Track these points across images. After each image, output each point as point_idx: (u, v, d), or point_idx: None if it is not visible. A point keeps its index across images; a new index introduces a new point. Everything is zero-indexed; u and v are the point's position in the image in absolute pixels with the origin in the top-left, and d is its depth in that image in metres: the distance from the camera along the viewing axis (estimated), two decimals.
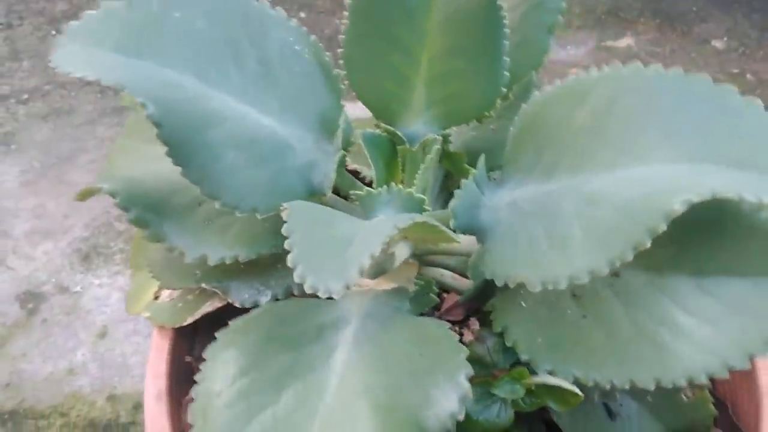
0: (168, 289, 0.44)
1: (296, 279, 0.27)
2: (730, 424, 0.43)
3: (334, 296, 0.26)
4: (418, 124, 0.38)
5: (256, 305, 0.39)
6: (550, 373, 0.34)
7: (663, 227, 0.28)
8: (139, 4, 0.35)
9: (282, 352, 0.31)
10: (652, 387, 0.33)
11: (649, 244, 0.28)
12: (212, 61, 0.35)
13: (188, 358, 0.45)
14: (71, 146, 0.90)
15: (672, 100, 0.32)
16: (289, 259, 0.27)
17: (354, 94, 0.39)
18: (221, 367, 0.31)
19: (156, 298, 0.46)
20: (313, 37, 0.38)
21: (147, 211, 0.37)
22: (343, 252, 0.28)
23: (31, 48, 1.14)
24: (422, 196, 0.35)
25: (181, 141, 0.32)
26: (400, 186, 0.35)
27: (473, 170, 0.36)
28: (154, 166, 0.40)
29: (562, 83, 0.36)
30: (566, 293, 0.37)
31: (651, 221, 0.28)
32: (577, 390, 0.34)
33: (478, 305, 0.39)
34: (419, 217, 0.29)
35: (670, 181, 0.30)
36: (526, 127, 0.37)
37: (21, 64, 1.09)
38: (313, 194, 0.37)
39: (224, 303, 0.41)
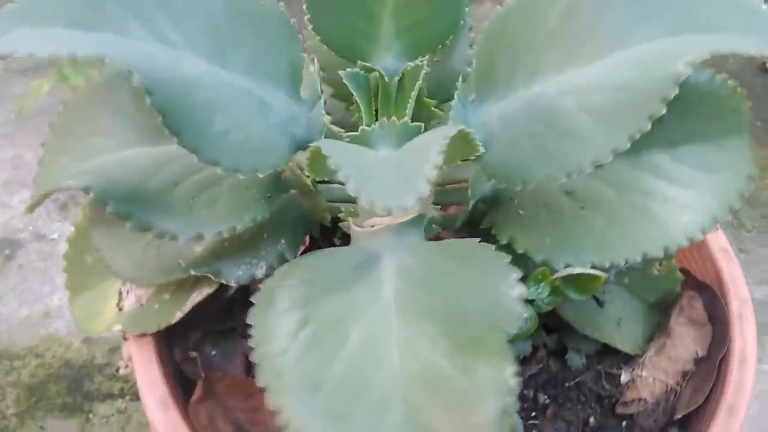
0: (147, 288, 0.42)
1: (365, 204, 0.26)
2: (696, 283, 0.48)
3: (397, 212, 0.26)
4: (387, 58, 0.38)
5: (253, 279, 0.38)
6: (567, 266, 0.36)
7: (674, 92, 0.29)
8: None
9: (331, 298, 0.31)
10: (661, 254, 0.36)
11: (664, 111, 0.30)
12: (170, 24, 0.33)
13: (193, 353, 0.44)
14: (48, 99, 0.87)
15: None
16: (351, 189, 0.26)
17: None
18: (276, 325, 0.29)
19: (120, 308, 0.43)
20: None
21: (125, 201, 0.34)
22: (399, 170, 0.27)
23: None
24: (419, 123, 0.35)
25: (172, 108, 0.30)
26: (394, 119, 0.34)
27: (457, 93, 0.36)
28: (109, 156, 0.38)
29: None
30: (559, 192, 0.39)
31: (661, 88, 0.30)
32: (599, 273, 0.36)
33: (473, 229, 0.40)
34: (456, 129, 0.29)
35: (663, 52, 0.31)
36: (494, 41, 0.38)
37: None
38: (305, 144, 0.35)
39: (213, 288, 0.40)
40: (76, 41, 0.30)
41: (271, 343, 0.29)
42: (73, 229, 0.47)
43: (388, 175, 0.27)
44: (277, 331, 0.30)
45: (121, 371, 0.47)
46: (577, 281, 0.37)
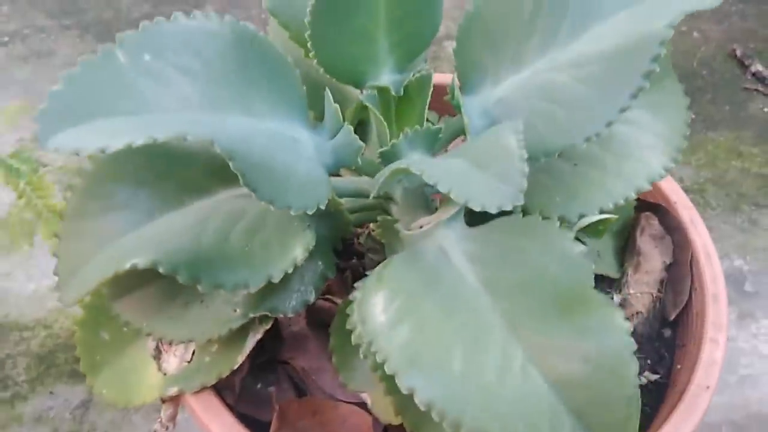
0: (187, 345, 0.42)
1: (477, 208, 0.29)
2: (647, 205, 0.55)
3: (507, 207, 0.29)
4: (384, 74, 0.40)
5: (306, 304, 0.41)
6: (581, 216, 0.41)
7: (662, 51, 0.34)
8: (103, 62, 0.32)
9: (425, 298, 0.34)
10: (649, 186, 0.42)
11: (657, 68, 0.35)
12: (197, 88, 0.34)
13: (271, 389, 0.45)
14: (51, 86, 0.80)
15: None
16: (457, 197, 0.30)
17: None
18: (389, 331, 0.33)
19: (164, 373, 0.44)
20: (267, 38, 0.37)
21: (192, 267, 0.35)
22: (490, 169, 0.31)
23: None
24: (438, 127, 0.38)
25: (246, 167, 0.32)
26: (417, 127, 0.38)
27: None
28: (143, 229, 0.38)
29: None
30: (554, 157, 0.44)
31: (649, 49, 0.35)
32: (610, 215, 0.42)
33: None
34: (514, 125, 0.33)
35: (636, 20, 0.37)
36: (472, 36, 0.41)
37: (0, 9, 1.05)
38: (334, 170, 0.38)
39: (269, 325, 0.41)
40: (132, 129, 0.31)
41: (391, 340, 0.32)
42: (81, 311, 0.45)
43: (485, 178, 0.31)
44: (391, 332, 0.33)
45: None
46: (593, 228, 0.42)
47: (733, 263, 0.75)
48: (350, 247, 0.48)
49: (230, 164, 0.31)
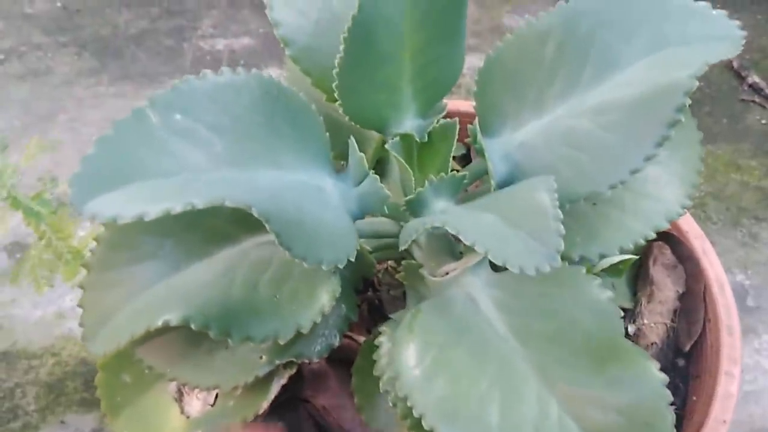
0: (227, 390, 0.41)
1: (515, 270, 0.29)
2: (659, 234, 0.53)
3: (545, 269, 0.29)
4: (408, 119, 0.40)
5: (330, 348, 0.41)
6: (602, 256, 0.42)
7: (686, 101, 0.35)
8: (135, 124, 0.32)
9: (455, 347, 0.34)
10: (667, 225, 0.43)
11: (682, 118, 0.35)
12: (226, 144, 0.34)
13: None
14: (50, 106, 0.88)
15: (621, 11, 0.38)
16: (495, 258, 0.30)
17: None
18: (422, 383, 0.33)
19: (187, 416, 0.44)
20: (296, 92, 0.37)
21: (222, 320, 0.35)
22: (524, 228, 0.31)
23: (3, 9, 1.08)
24: (463, 174, 0.38)
25: (281, 227, 0.32)
26: (442, 175, 0.38)
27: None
28: (170, 280, 0.38)
29: (517, 31, 0.40)
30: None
31: (672, 99, 0.35)
32: (630, 256, 0.43)
33: None
34: (547, 181, 0.33)
35: (658, 68, 0.37)
36: (493, 82, 0.41)
37: None
38: (360, 218, 0.39)
39: (294, 370, 0.41)
40: (177, 192, 0.31)
41: (428, 395, 0.33)
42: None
43: (519, 238, 0.31)
44: (427, 386, 0.33)
45: None
46: (614, 267, 0.43)
47: (734, 278, 0.76)
48: (366, 281, 0.48)
49: (267, 226, 0.31)
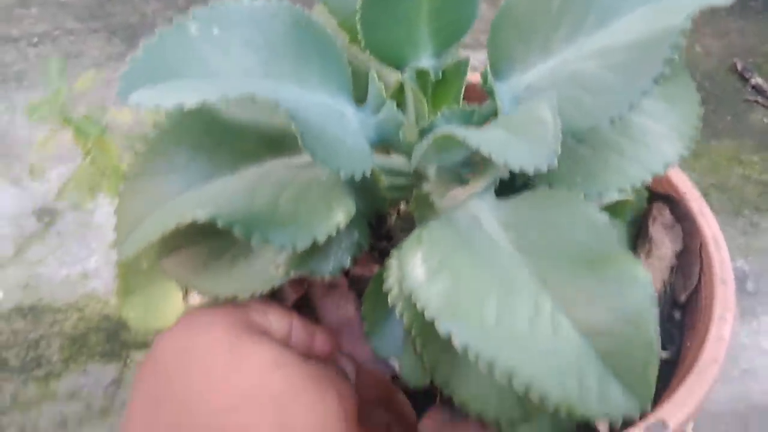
0: (244, 298, 0.44)
1: (515, 169, 0.32)
2: (658, 195, 0.58)
3: (543, 168, 0.32)
4: (424, 58, 0.44)
5: (342, 268, 0.44)
6: (599, 195, 0.45)
7: (682, 41, 0.38)
8: (177, 34, 0.36)
9: (459, 255, 0.37)
10: (663, 172, 0.45)
11: (676, 56, 0.38)
12: (255, 59, 0.38)
13: None
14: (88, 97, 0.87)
15: None
16: (497, 158, 0.32)
17: None
18: (429, 286, 0.35)
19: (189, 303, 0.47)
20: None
21: (245, 224, 0.38)
22: (527, 136, 0.34)
23: None
24: (473, 107, 0.41)
25: (304, 130, 0.35)
26: (454, 106, 0.41)
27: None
28: (198, 190, 0.41)
29: None
30: (572, 142, 0.47)
31: (669, 39, 0.38)
32: (629, 198, 0.46)
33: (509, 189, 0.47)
34: (548, 99, 0.36)
35: (655, 14, 0.40)
36: (504, 29, 0.45)
37: (29, 11, 1.11)
38: (377, 145, 0.41)
39: (303, 290, 0.44)
40: (205, 87, 0.34)
41: (430, 290, 0.35)
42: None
43: (522, 143, 0.34)
44: (429, 283, 0.36)
45: None
46: (611, 208, 0.46)
47: (735, 264, 0.78)
48: (380, 231, 0.51)
49: (292, 125, 0.34)
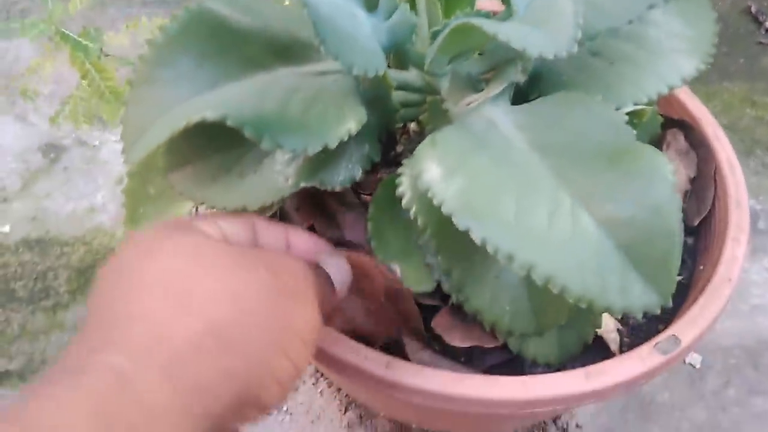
0: (253, 209, 0.43)
1: (534, 54, 0.31)
2: (673, 122, 0.57)
3: (562, 53, 0.31)
4: None
5: (352, 180, 0.43)
6: (617, 108, 0.43)
7: None
8: None
9: (475, 156, 0.36)
10: (680, 84, 0.44)
11: None
12: None
13: None
14: (83, 24, 0.86)
15: None
16: (516, 44, 0.32)
17: None
18: (443, 184, 0.35)
19: None
20: None
21: (255, 124, 0.37)
22: (547, 25, 0.33)
23: None
24: (489, 10, 0.40)
25: (317, 20, 0.34)
26: (468, 9, 0.40)
27: None
28: (207, 95, 0.40)
29: None
30: (588, 56, 0.46)
31: None
32: (646, 107, 0.45)
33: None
34: None
35: None
36: None
37: None
38: (395, 48, 0.40)
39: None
40: None
41: (447, 187, 0.35)
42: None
43: (542, 32, 0.33)
44: (447, 181, 0.35)
45: None
46: (629, 119, 0.45)
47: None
48: (388, 156, 0.50)
49: (304, 11, 0.33)
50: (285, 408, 0.60)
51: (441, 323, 0.45)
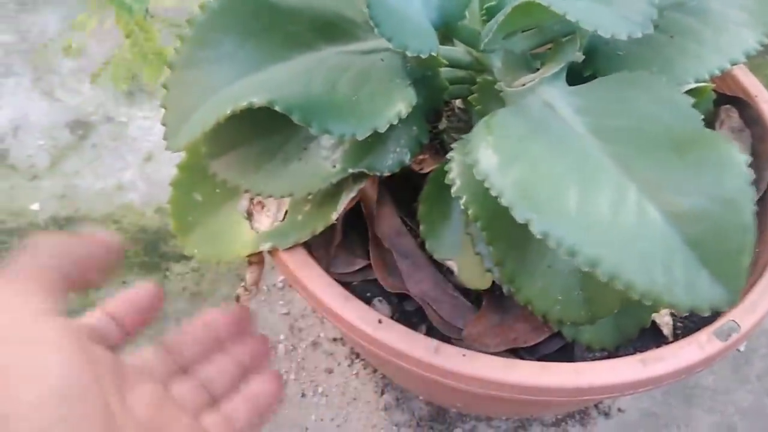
0: (301, 196, 0.43)
1: (605, 34, 0.30)
2: (727, 98, 0.54)
3: (637, 34, 0.30)
4: None
5: (401, 165, 0.42)
6: (677, 85, 0.41)
7: None
8: None
9: (534, 142, 0.35)
10: (743, 59, 0.42)
11: None
12: None
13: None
14: None
15: None
16: (587, 24, 0.30)
17: None
18: (500, 174, 0.33)
19: (256, 231, 0.45)
20: None
21: (302, 108, 0.36)
22: (618, 4, 0.32)
23: None
24: None
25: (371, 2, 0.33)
26: None
27: None
28: (251, 78, 0.38)
29: None
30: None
31: None
32: (706, 84, 0.43)
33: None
34: None
35: None
36: None
37: None
38: (446, 26, 0.39)
39: (363, 184, 0.42)
40: None
41: (505, 177, 0.33)
42: (176, 170, 0.46)
43: (613, 11, 0.31)
44: (504, 170, 0.33)
45: (242, 300, 0.48)
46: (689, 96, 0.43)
47: None
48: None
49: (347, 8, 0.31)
50: (320, 390, 0.59)
51: (473, 333, 0.44)
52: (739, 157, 0.32)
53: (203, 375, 0.37)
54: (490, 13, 0.38)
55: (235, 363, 0.38)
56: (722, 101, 0.54)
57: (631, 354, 0.43)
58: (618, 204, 0.32)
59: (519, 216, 0.32)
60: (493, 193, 0.33)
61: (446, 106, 0.49)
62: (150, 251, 0.70)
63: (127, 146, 0.80)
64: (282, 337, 0.63)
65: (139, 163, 0.78)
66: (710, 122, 0.54)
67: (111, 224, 0.73)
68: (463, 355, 0.40)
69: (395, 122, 0.38)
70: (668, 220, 0.31)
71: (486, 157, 0.34)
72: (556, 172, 0.33)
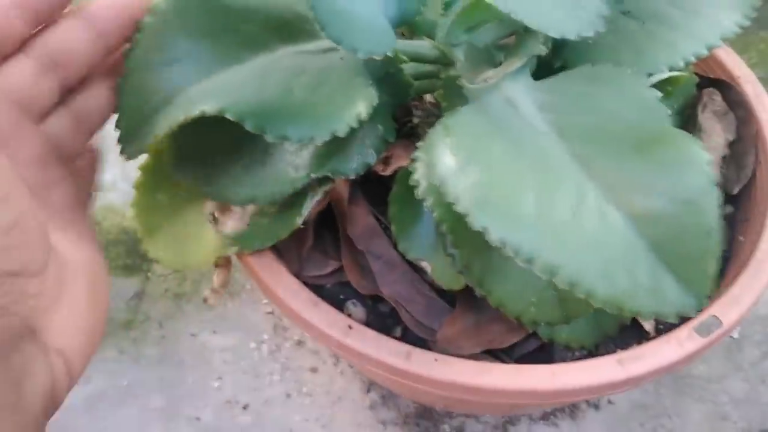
0: (264, 203, 0.42)
1: (555, 35, 0.30)
2: (709, 81, 0.53)
3: (587, 33, 0.29)
4: None
5: (367, 166, 0.40)
6: (649, 75, 0.40)
7: None
8: None
9: (493, 140, 0.33)
10: (720, 44, 0.40)
11: None
12: None
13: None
14: None
15: None
16: (536, 25, 0.29)
17: None
18: (458, 177, 0.32)
19: (222, 233, 0.44)
20: None
21: (257, 117, 0.35)
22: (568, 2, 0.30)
23: None
24: None
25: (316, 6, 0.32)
26: None
27: None
28: (206, 82, 0.37)
29: None
30: (618, 16, 0.42)
31: None
32: (680, 73, 0.41)
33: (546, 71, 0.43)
34: None
35: None
36: None
37: None
38: (404, 21, 0.38)
39: (329, 186, 0.41)
40: None
41: (461, 181, 0.31)
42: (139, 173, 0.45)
43: (563, 9, 0.30)
44: (461, 173, 0.32)
45: (210, 302, 0.47)
46: (662, 87, 0.41)
47: None
48: (403, 128, 0.47)
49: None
50: (305, 390, 0.59)
51: (447, 335, 0.43)
52: (701, 155, 0.30)
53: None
54: (447, 8, 0.37)
55: None
56: (705, 84, 0.53)
57: (612, 352, 0.42)
58: (578, 207, 0.31)
59: (475, 223, 0.30)
60: (449, 199, 0.31)
61: (419, 101, 0.48)
62: (131, 252, 0.69)
63: (107, 146, 0.78)
64: (266, 336, 0.63)
65: (120, 163, 0.77)
66: (693, 107, 0.52)
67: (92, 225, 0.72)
68: (435, 360, 0.39)
69: (355, 125, 0.36)
70: (630, 223, 0.30)
71: (443, 160, 0.33)
72: (515, 174, 0.32)
